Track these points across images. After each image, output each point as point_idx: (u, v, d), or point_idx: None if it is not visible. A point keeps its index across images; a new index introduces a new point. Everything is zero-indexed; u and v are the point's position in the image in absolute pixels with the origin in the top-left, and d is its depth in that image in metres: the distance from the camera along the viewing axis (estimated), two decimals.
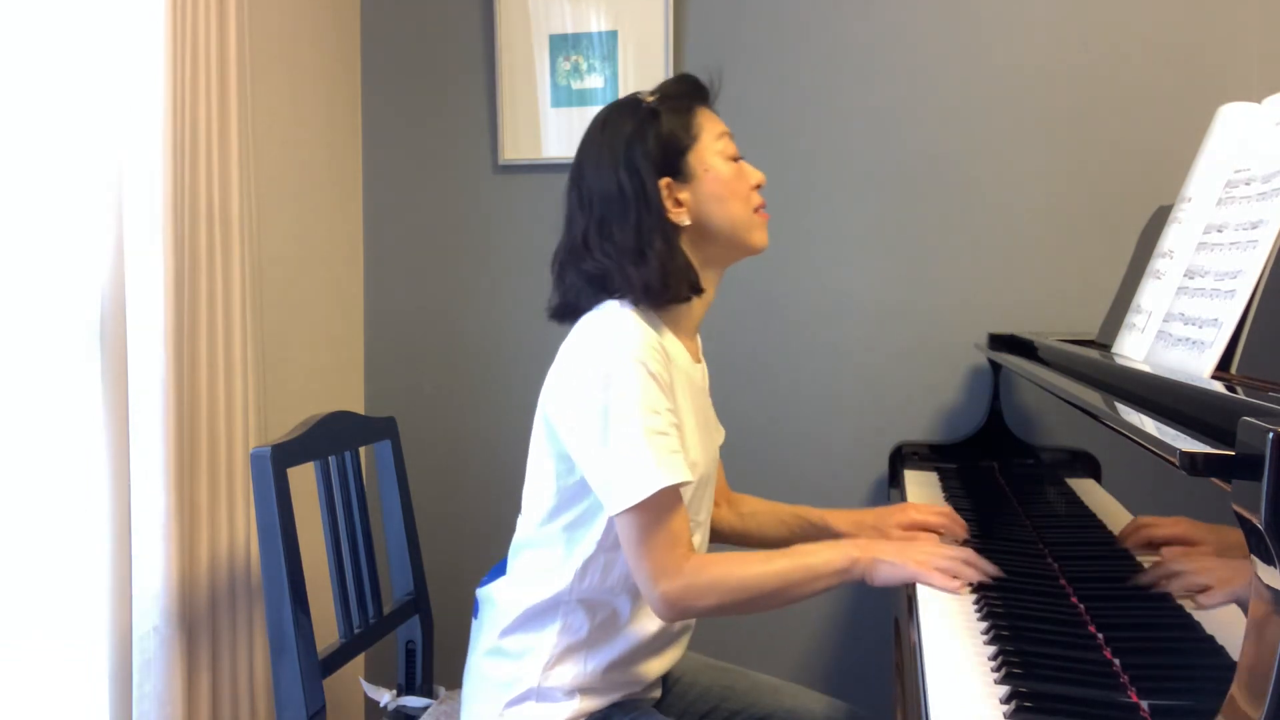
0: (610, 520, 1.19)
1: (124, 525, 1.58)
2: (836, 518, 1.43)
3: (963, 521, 1.37)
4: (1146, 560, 0.94)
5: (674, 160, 1.23)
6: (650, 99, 1.26)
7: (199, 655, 1.66)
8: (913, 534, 1.35)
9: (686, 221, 1.23)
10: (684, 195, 1.23)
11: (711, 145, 1.25)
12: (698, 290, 1.25)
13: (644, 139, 1.22)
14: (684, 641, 1.37)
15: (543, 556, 1.26)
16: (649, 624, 1.27)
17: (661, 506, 1.12)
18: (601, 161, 1.24)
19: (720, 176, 1.24)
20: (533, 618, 1.26)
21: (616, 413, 1.12)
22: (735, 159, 1.27)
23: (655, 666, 1.31)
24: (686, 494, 1.20)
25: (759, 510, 1.50)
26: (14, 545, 1.50)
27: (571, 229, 1.27)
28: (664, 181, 1.22)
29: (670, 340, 1.25)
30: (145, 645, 1.57)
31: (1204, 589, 0.82)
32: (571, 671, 1.24)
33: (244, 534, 1.74)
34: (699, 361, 1.34)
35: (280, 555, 1.43)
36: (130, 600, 1.58)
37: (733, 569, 1.16)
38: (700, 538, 1.32)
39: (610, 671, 1.26)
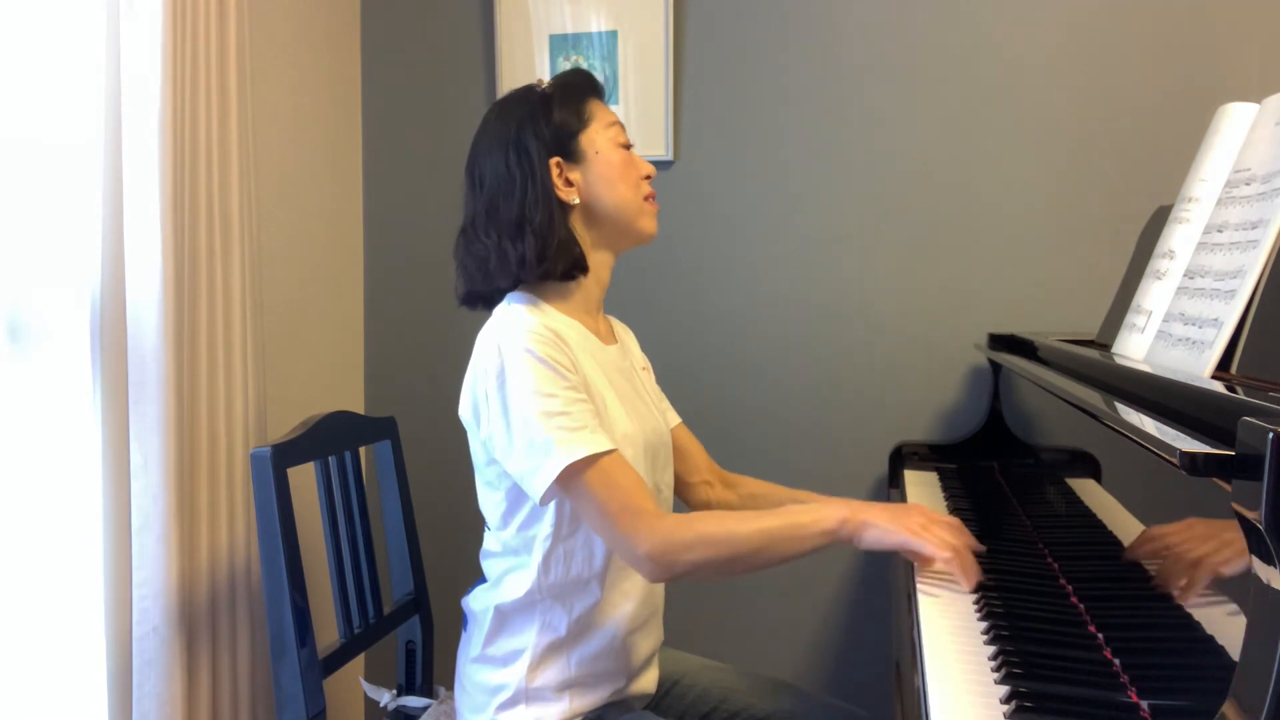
0: (557, 510, 1.22)
1: (123, 525, 1.58)
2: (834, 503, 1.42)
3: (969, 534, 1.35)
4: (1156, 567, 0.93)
5: (565, 141, 1.27)
6: (543, 84, 1.31)
7: (199, 655, 1.66)
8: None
9: (576, 200, 1.27)
10: (574, 175, 1.27)
11: (602, 131, 1.29)
12: (582, 268, 1.27)
13: (535, 120, 1.26)
14: (658, 622, 1.37)
15: (510, 561, 1.28)
16: (624, 606, 1.28)
17: (600, 477, 1.13)
18: (493, 145, 1.27)
19: (610, 160, 1.28)
20: (511, 621, 1.27)
21: (512, 405, 1.15)
22: (626, 147, 1.31)
23: (639, 652, 1.32)
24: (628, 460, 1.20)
25: (758, 493, 1.50)
26: (14, 545, 1.50)
27: (465, 213, 1.30)
28: (554, 160, 1.26)
29: (564, 321, 1.27)
30: (145, 645, 1.57)
31: (1196, 566, 0.82)
32: (557, 669, 1.25)
33: (244, 534, 1.74)
34: (613, 342, 1.36)
35: (280, 555, 1.43)
36: (130, 601, 1.58)
37: (716, 524, 1.16)
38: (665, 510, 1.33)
39: (594, 663, 1.27)
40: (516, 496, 1.24)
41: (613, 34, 2.11)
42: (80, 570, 1.58)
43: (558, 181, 1.26)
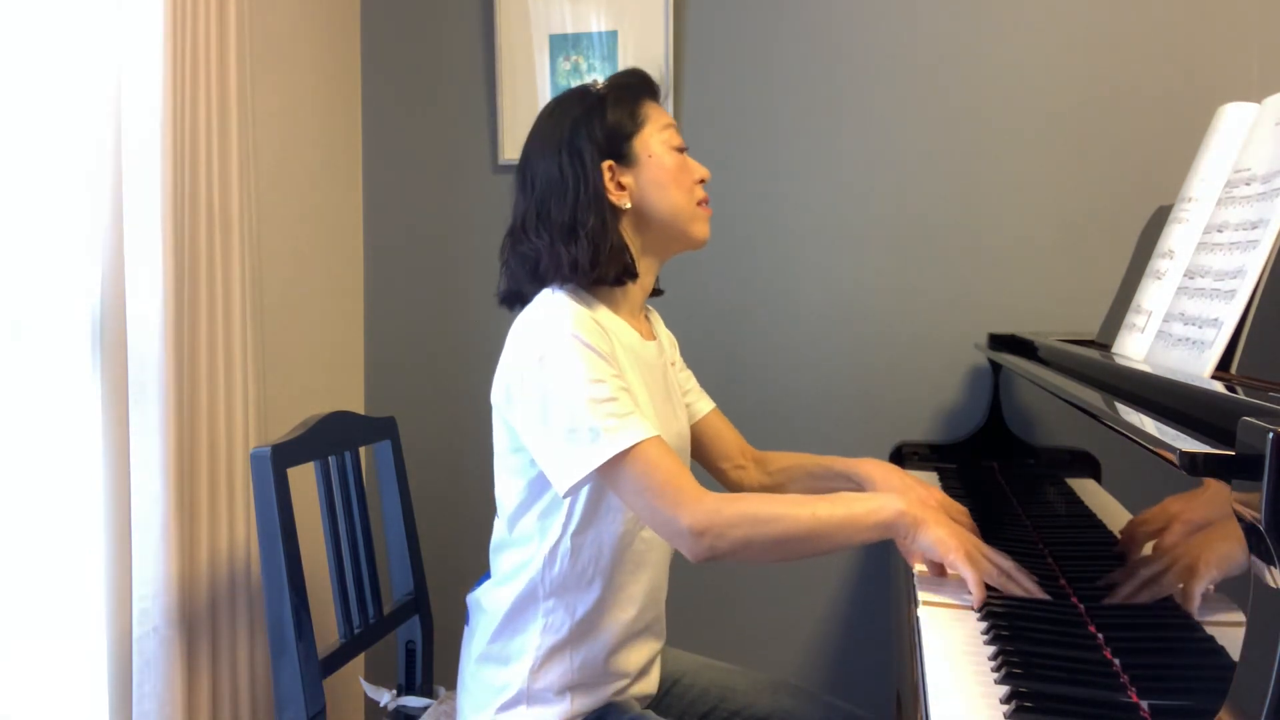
0: (572, 505, 1.21)
1: (124, 525, 1.58)
2: (865, 467, 1.39)
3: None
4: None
5: (618, 144, 1.25)
6: (599, 85, 1.29)
7: (199, 655, 1.66)
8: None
9: (627, 205, 1.25)
10: (627, 179, 1.25)
11: (656, 134, 1.27)
12: (631, 274, 1.26)
13: (589, 122, 1.24)
14: (661, 626, 1.37)
15: (520, 553, 1.27)
16: (628, 610, 1.27)
17: (645, 461, 1.11)
18: (546, 145, 1.26)
19: (663, 164, 1.26)
20: (515, 618, 1.26)
21: (555, 390, 1.13)
22: (680, 150, 1.29)
23: (641, 654, 1.32)
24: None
25: (788, 465, 1.48)
26: (14, 545, 1.50)
27: (514, 213, 1.29)
28: (607, 164, 1.24)
29: (608, 316, 1.26)
30: (145, 645, 1.57)
31: (1188, 577, 0.82)
32: (559, 671, 1.25)
33: (244, 534, 1.74)
34: (651, 339, 1.34)
35: (280, 555, 1.42)
36: (130, 600, 1.58)
37: (764, 504, 1.13)
38: None
39: (597, 665, 1.27)
40: (537, 486, 1.22)
41: (613, 34, 2.11)
42: (80, 570, 1.58)
43: (609, 185, 1.23)
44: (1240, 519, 0.66)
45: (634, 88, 1.29)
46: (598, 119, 1.24)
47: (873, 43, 2.00)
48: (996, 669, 0.93)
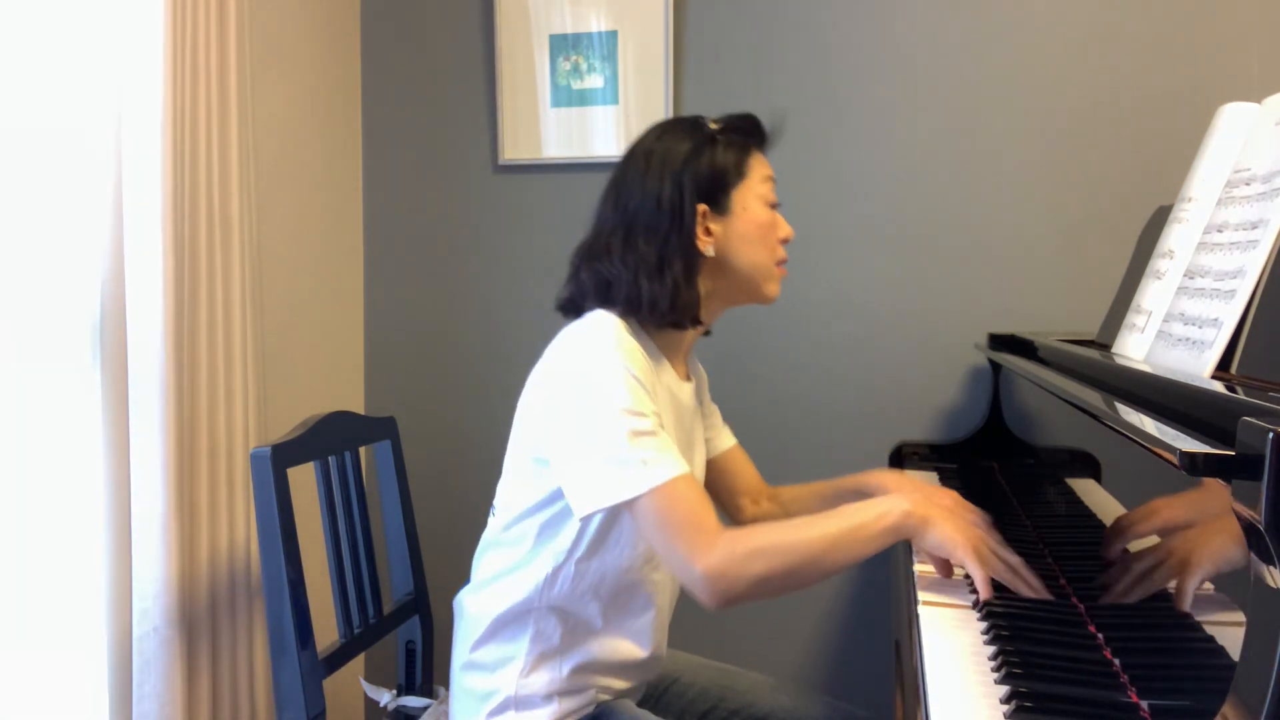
0: (583, 529, 1.19)
1: (124, 525, 1.58)
2: (874, 477, 1.39)
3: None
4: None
5: (717, 192, 1.23)
6: (714, 125, 1.26)
7: (199, 655, 1.66)
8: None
9: (710, 253, 1.23)
10: (716, 227, 1.23)
11: (756, 187, 1.25)
12: (696, 320, 1.25)
13: (696, 160, 1.22)
14: (662, 651, 1.36)
15: (508, 556, 1.26)
16: (621, 639, 1.26)
17: (672, 498, 1.09)
18: (649, 170, 1.23)
19: (756, 219, 1.24)
20: (504, 627, 1.25)
21: (595, 417, 1.11)
22: (773, 206, 1.27)
23: (638, 669, 1.31)
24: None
25: (800, 495, 1.47)
26: (14, 545, 1.50)
27: (598, 226, 1.26)
28: (701, 208, 1.22)
29: (656, 352, 1.25)
30: (145, 645, 1.57)
31: (1181, 571, 0.82)
32: (547, 677, 1.24)
33: (244, 534, 1.74)
34: (688, 380, 1.33)
35: (280, 555, 1.42)
36: (130, 600, 1.58)
37: (774, 534, 1.10)
38: None
39: (585, 673, 1.26)
40: (551, 498, 1.20)
41: (613, 34, 2.11)
42: (81, 570, 1.58)
43: (699, 229, 1.22)
44: (1240, 519, 0.66)
45: (745, 133, 1.27)
46: (705, 160, 1.23)
47: (873, 43, 2.00)
48: (996, 669, 0.93)
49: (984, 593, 1.08)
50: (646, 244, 1.21)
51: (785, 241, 1.29)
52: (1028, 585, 1.11)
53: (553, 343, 1.22)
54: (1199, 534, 0.79)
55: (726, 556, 1.06)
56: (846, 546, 1.10)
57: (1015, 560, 1.13)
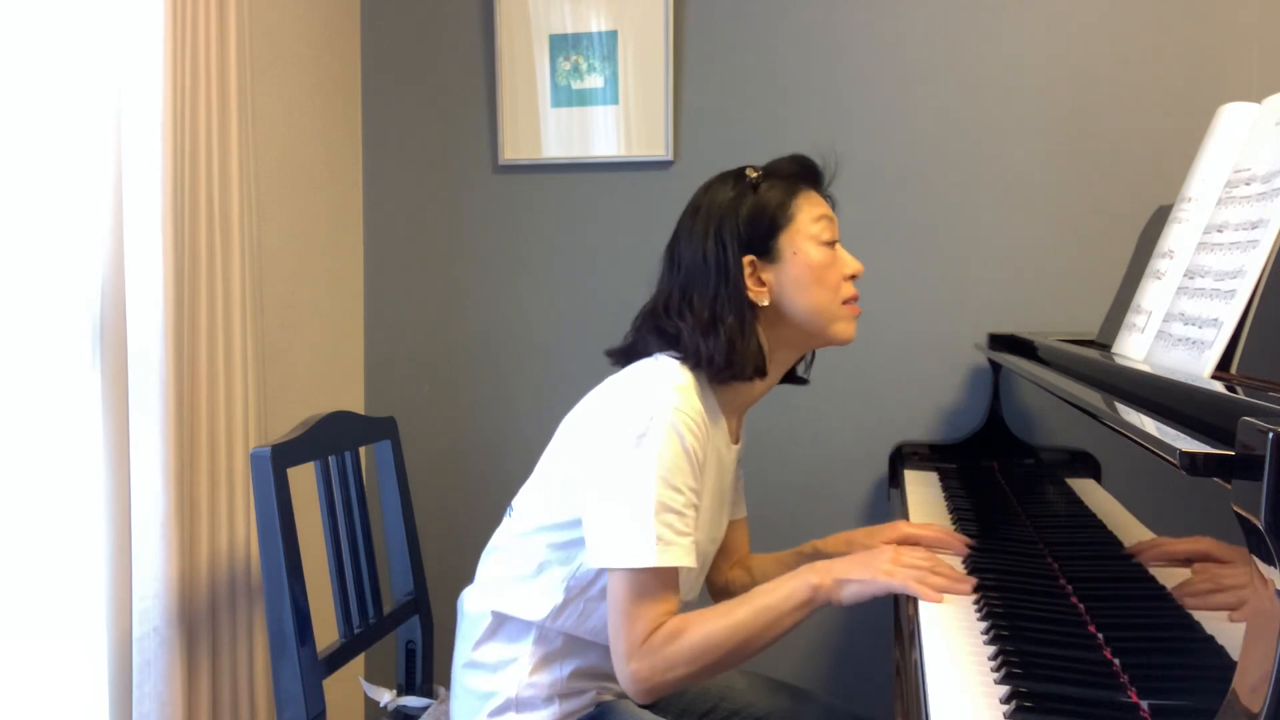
0: (600, 572, 1.18)
1: (124, 525, 1.58)
2: (829, 544, 1.41)
3: (961, 537, 1.32)
4: (1162, 572, 0.93)
5: (762, 240, 1.22)
6: (754, 174, 1.25)
7: (199, 655, 1.66)
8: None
9: (765, 302, 1.22)
10: (767, 275, 1.22)
11: (807, 228, 1.23)
12: (761, 373, 1.24)
13: (736, 212, 1.22)
14: None
15: (517, 565, 1.26)
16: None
17: (657, 582, 1.11)
18: (694, 229, 1.23)
19: (809, 261, 1.22)
20: (507, 630, 1.26)
21: (636, 477, 1.11)
22: (831, 244, 1.25)
23: None
24: (683, 577, 1.18)
25: (766, 563, 1.47)
26: (14, 545, 1.50)
27: (659, 287, 1.27)
28: (748, 259, 1.21)
29: (714, 412, 1.24)
30: (145, 645, 1.57)
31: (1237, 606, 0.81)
32: (549, 679, 1.24)
33: (244, 534, 1.74)
34: (736, 443, 1.33)
35: (280, 555, 1.42)
36: (130, 601, 1.58)
37: (693, 634, 1.11)
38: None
39: (586, 676, 1.26)
40: (570, 524, 1.21)
41: (613, 34, 2.11)
42: (81, 570, 1.58)
43: (749, 281, 1.21)
44: (1240, 519, 0.66)
45: (791, 177, 1.25)
46: (745, 208, 1.22)
47: (873, 42, 2.00)
48: (996, 669, 0.93)
49: (933, 598, 1.10)
50: (700, 301, 1.21)
51: (853, 278, 1.27)
52: (948, 580, 1.12)
53: (620, 376, 1.22)
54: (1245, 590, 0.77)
55: (655, 664, 1.10)
56: (765, 631, 1.14)
57: (925, 562, 1.15)
